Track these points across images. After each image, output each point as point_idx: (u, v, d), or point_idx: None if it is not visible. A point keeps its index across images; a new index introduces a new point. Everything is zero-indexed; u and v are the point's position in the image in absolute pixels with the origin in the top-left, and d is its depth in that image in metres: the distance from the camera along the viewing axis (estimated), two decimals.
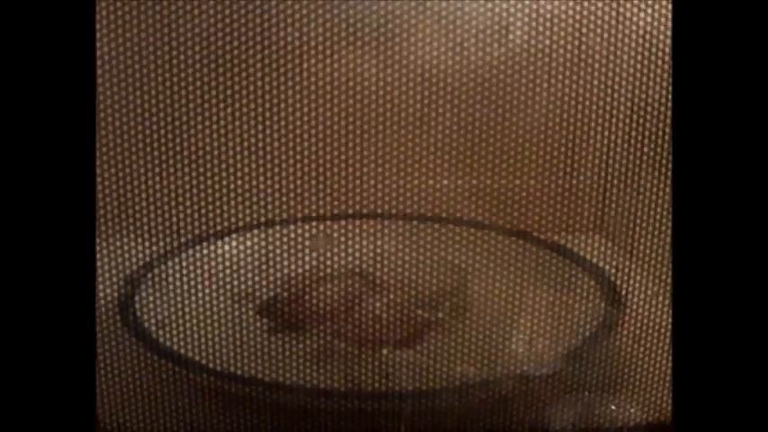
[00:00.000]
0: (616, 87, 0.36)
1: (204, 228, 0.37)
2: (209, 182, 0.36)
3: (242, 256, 0.40)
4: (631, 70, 0.36)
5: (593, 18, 0.35)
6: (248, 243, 0.39)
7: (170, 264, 0.39)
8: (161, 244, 0.38)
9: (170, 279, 0.38)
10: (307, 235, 0.38)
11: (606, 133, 0.37)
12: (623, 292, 0.39)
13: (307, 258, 0.38)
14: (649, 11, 0.35)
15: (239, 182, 0.36)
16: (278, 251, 0.38)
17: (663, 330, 0.38)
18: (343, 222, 0.37)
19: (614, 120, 0.37)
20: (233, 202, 0.36)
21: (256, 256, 0.38)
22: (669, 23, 0.35)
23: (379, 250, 0.38)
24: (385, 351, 0.39)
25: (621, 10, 0.35)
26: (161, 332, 0.38)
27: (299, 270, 0.39)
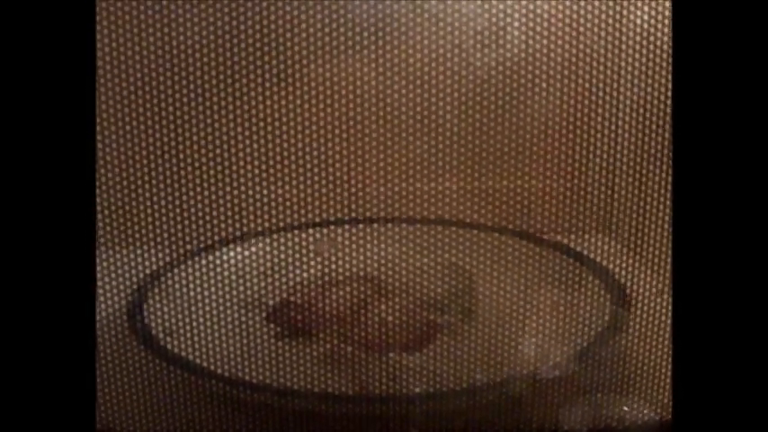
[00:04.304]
0: (620, 88, 0.36)
1: (211, 235, 0.37)
2: (215, 190, 0.36)
3: (249, 262, 0.40)
4: (636, 71, 0.36)
5: (594, 17, 0.35)
6: (255, 249, 0.39)
7: (177, 271, 0.40)
8: (168, 252, 0.38)
9: (178, 286, 0.38)
10: (312, 240, 0.38)
11: (611, 134, 0.37)
12: (630, 292, 0.39)
13: (313, 264, 0.38)
14: (649, 9, 0.35)
15: (244, 189, 0.36)
16: (284, 257, 0.38)
17: (670, 329, 0.38)
18: (348, 227, 0.37)
19: (619, 120, 0.37)
20: (239, 210, 0.37)
21: (263, 262, 0.39)
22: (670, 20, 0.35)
23: (385, 254, 0.38)
24: (393, 355, 0.39)
25: (623, 8, 0.35)
26: (169, 339, 0.38)
27: (306, 275, 0.39)
